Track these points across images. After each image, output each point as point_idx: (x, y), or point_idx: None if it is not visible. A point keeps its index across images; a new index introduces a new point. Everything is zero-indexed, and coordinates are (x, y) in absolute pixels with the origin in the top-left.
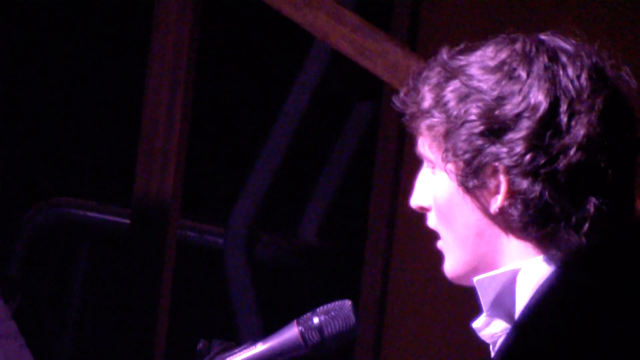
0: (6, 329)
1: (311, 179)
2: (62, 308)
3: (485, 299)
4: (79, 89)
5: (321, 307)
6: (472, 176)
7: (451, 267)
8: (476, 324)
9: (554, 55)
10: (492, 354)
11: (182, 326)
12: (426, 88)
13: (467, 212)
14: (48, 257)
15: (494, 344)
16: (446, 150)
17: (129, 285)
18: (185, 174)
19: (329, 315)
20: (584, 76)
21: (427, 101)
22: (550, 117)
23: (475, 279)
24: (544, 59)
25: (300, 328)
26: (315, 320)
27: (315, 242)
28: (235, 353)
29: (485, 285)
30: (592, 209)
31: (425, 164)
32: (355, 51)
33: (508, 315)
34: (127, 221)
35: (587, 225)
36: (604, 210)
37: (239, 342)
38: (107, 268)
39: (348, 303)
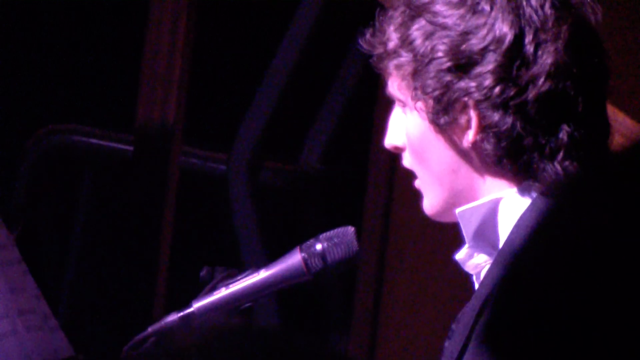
0: (9, 256)
1: (314, 105)
2: (64, 235)
3: (467, 230)
4: (82, 14)
5: (324, 234)
6: (443, 113)
7: (430, 204)
8: (459, 255)
9: None
10: (476, 285)
11: (185, 253)
12: (392, 28)
13: (440, 149)
14: (50, 184)
15: (478, 274)
16: (415, 89)
17: (131, 212)
18: (187, 101)
19: (332, 242)
20: (547, 5)
21: (394, 41)
22: (516, 48)
23: (457, 210)
24: None
25: (303, 254)
26: (318, 246)
27: (318, 168)
28: (238, 280)
29: (468, 216)
30: (565, 138)
31: (396, 104)
32: None
33: (491, 245)
34: (130, 148)
35: (561, 153)
36: (577, 137)
37: (242, 269)
38: (110, 195)
39: (351, 230)
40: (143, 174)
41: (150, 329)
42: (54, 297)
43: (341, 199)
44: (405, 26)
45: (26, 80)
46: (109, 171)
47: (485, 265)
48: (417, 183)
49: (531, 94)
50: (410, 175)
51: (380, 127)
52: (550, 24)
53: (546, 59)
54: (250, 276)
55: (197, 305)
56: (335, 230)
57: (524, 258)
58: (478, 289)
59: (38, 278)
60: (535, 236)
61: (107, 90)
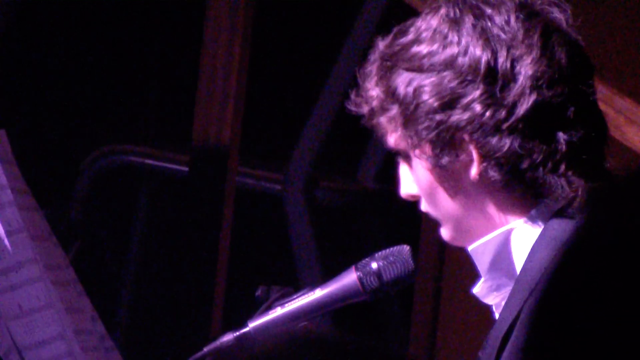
0: (65, 277)
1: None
2: (120, 255)
3: (481, 264)
4: (139, 36)
5: (380, 252)
6: (442, 153)
7: (447, 234)
8: (476, 289)
9: (478, 11)
10: (496, 314)
11: (241, 273)
12: (372, 84)
13: (450, 189)
14: (107, 204)
15: (498, 305)
16: (410, 137)
17: (188, 232)
18: (243, 121)
19: (388, 261)
20: (512, 19)
21: (377, 97)
22: (493, 71)
23: (469, 248)
24: (469, 18)
25: (358, 273)
26: (374, 265)
27: (374, 186)
28: (294, 299)
29: (480, 252)
30: (563, 146)
31: (400, 157)
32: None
33: (507, 275)
34: (186, 169)
35: (563, 164)
36: (575, 142)
37: (298, 288)
38: (166, 215)
39: (407, 248)
40: (199, 194)
41: (206, 349)
42: (111, 317)
43: (397, 216)
44: (384, 79)
45: (84, 100)
46: (164, 192)
47: (504, 294)
48: (434, 215)
49: (520, 110)
50: None
51: None
52: (520, 37)
53: (525, 73)
54: (306, 295)
55: (252, 324)
56: (391, 248)
57: (541, 285)
58: (500, 317)
59: (94, 298)
60: (551, 262)
61: (163, 111)
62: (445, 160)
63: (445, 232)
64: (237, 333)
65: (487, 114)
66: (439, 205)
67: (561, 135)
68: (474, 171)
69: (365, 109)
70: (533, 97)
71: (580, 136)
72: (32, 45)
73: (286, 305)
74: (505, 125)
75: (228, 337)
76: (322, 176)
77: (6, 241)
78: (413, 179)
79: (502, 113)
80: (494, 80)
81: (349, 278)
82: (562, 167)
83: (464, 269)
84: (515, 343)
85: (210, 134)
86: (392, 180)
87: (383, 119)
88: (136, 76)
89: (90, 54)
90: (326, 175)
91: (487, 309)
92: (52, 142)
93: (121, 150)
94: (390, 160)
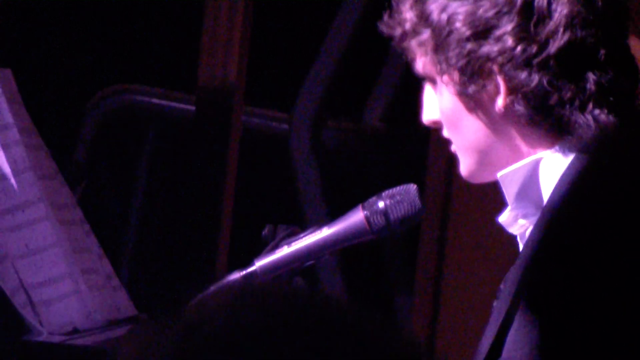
0: (72, 215)
1: (377, 63)
2: (126, 195)
3: (509, 192)
4: None
5: (386, 191)
6: (470, 82)
7: (466, 168)
8: (502, 218)
9: None
10: (520, 245)
11: (248, 212)
12: (407, 6)
13: (473, 118)
14: (113, 143)
15: (522, 235)
16: (439, 63)
17: (194, 172)
18: (249, 60)
19: (395, 199)
20: None
21: (411, 20)
22: (529, 5)
23: (498, 174)
24: None
25: (365, 212)
26: (381, 204)
27: (380, 127)
28: (301, 238)
29: (509, 179)
30: (592, 87)
31: (426, 82)
32: None
33: (534, 205)
34: (192, 107)
35: (590, 104)
36: (604, 84)
37: (304, 227)
38: (172, 154)
39: (413, 187)
40: (205, 133)
41: (212, 288)
42: (117, 256)
43: (404, 156)
44: (419, 3)
45: (89, 40)
46: (171, 130)
47: (529, 225)
48: (453, 148)
49: (552, 48)
50: None
51: None
52: None
53: (561, 11)
54: (313, 234)
55: (259, 263)
56: (398, 187)
57: (566, 217)
58: (523, 249)
59: (100, 237)
60: (577, 195)
61: (168, 50)
62: (472, 88)
63: (465, 166)
64: (244, 272)
65: (519, 47)
66: (462, 133)
67: (591, 76)
68: (500, 103)
69: (397, 32)
70: (567, 35)
71: (609, 78)
72: None
73: (293, 244)
74: (535, 61)
75: (235, 276)
76: (329, 116)
77: (12, 180)
78: (437, 105)
79: (534, 48)
80: (530, 14)
81: (356, 217)
82: (590, 106)
83: (470, 210)
84: (533, 280)
85: (216, 73)
86: (399, 120)
87: (414, 42)
88: (142, 16)
89: None
90: (332, 115)
91: (492, 250)
92: (58, 81)
93: (127, 90)
94: (396, 101)
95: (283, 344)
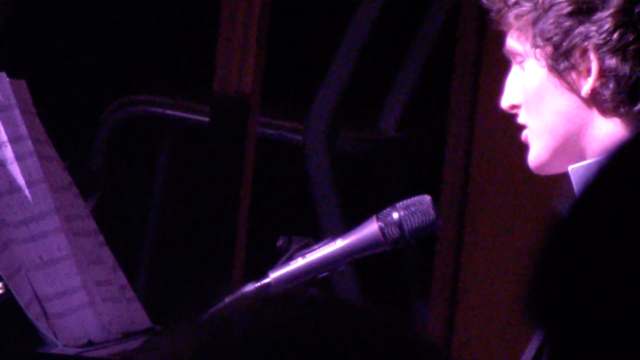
0: (85, 227)
1: (391, 72)
2: (141, 206)
3: (580, 187)
4: None
5: (401, 203)
6: (563, 58)
7: (537, 156)
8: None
9: None
10: None
11: (262, 223)
12: None
13: (558, 96)
14: (128, 154)
15: None
16: (534, 36)
17: (209, 183)
18: (264, 71)
19: (409, 211)
20: None
21: None
22: None
23: (570, 167)
24: None
25: (379, 223)
26: (395, 215)
27: (395, 136)
28: (315, 249)
29: (579, 174)
30: None
31: (514, 63)
32: None
33: None
34: (207, 119)
35: None
36: None
37: (319, 238)
38: (187, 166)
39: (427, 198)
40: (220, 144)
41: (227, 300)
42: (132, 268)
43: (419, 166)
44: None
45: (104, 51)
46: (185, 142)
47: None
48: (525, 134)
49: None
50: (488, 141)
51: (457, 94)
52: None
53: None
54: (327, 245)
55: (273, 275)
56: (412, 198)
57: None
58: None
59: (115, 249)
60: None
61: (184, 61)
62: (563, 65)
63: (535, 154)
64: (258, 284)
65: (617, 32)
66: (542, 114)
67: None
68: (589, 84)
69: (498, 5)
70: None
71: None
72: None
73: (307, 255)
74: (631, 48)
75: (249, 288)
76: (343, 125)
77: (27, 192)
78: (521, 87)
79: (632, 36)
80: (636, 1)
81: (370, 228)
82: None
83: (485, 221)
84: None
85: (231, 84)
86: (414, 129)
87: (512, 14)
88: (157, 26)
89: (112, 2)
90: (347, 124)
91: (508, 258)
92: (73, 92)
93: (142, 100)
94: (412, 110)
95: (308, 348)
